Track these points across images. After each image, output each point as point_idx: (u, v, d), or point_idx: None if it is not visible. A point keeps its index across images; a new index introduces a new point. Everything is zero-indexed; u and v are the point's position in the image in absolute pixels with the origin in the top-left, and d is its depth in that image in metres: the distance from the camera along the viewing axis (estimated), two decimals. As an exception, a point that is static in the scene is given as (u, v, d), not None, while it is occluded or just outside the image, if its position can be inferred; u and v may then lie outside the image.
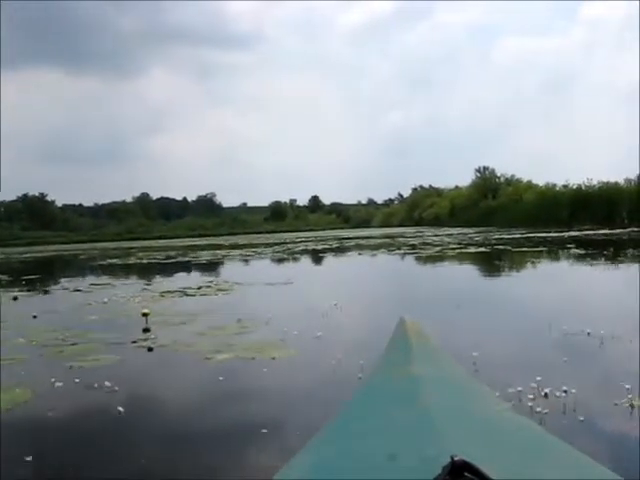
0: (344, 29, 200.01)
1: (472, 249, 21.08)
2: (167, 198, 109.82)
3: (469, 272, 14.55)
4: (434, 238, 32.41)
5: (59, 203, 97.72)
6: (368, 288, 12.05)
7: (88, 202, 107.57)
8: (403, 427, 1.23)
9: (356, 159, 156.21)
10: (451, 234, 37.06)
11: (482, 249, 20.93)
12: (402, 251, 23.20)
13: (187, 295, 11.44)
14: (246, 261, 23.19)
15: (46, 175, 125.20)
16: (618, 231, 28.48)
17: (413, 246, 25.39)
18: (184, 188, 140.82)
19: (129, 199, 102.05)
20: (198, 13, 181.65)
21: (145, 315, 8.33)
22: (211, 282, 13.50)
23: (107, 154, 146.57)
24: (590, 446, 2.98)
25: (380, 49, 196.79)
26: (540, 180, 54.00)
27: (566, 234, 28.58)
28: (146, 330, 7.96)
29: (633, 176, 45.47)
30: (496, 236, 30.29)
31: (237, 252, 29.08)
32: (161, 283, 14.19)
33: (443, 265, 16.55)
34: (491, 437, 1.20)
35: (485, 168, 66.02)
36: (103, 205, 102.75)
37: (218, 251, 30.76)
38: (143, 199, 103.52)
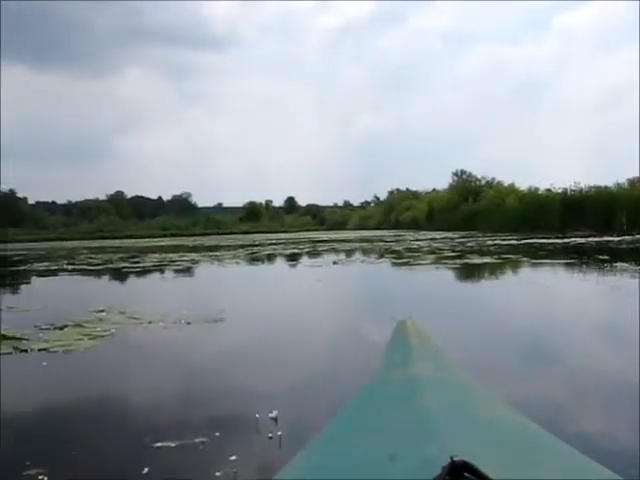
0: (320, 32, 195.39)
1: (475, 259, 15.94)
2: (142, 197, 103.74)
3: (510, 302, 9.31)
4: (419, 243, 27.27)
5: (32, 200, 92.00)
6: (345, 346, 6.10)
7: (62, 200, 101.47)
8: (403, 427, 1.13)
9: (332, 161, 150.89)
10: (434, 238, 32.01)
11: (488, 259, 15.79)
12: (387, 260, 17.95)
13: (37, 350, 6.11)
14: (191, 271, 17.60)
15: (18, 172, 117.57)
16: (629, 238, 23.57)
17: (398, 253, 20.16)
18: (159, 187, 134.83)
19: (103, 197, 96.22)
20: (174, 13, 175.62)
21: None
22: (101, 312, 8.16)
23: (82, 152, 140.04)
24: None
25: (355, 52, 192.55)
26: (520, 184, 49.40)
27: (573, 240, 23.58)
28: None
29: (622, 180, 41.13)
30: (489, 242, 25.25)
31: (191, 256, 23.55)
32: (35, 312, 8.80)
33: (454, 286, 11.27)
34: (491, 437, 1.10)
35: (462, 171, 61.70)
36: (76, 203, 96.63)
37: (171, 254, 25.26)
38: (117, 197, 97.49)
